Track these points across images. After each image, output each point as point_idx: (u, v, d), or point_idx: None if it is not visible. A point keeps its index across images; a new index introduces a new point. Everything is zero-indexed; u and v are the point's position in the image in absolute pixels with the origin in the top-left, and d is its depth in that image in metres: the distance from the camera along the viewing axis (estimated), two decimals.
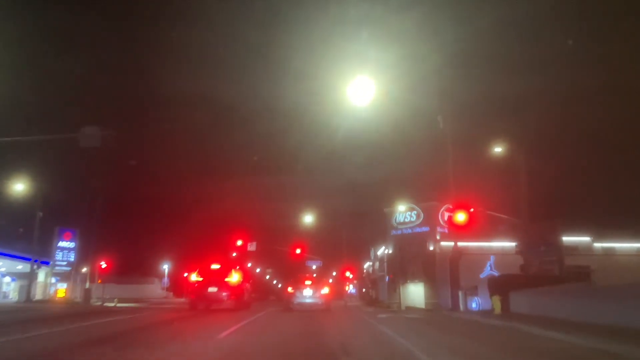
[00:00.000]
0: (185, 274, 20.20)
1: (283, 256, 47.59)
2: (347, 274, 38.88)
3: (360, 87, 15.35)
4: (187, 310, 18.03)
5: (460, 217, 17.20)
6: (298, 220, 40.08)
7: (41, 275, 38.86)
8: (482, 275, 36.33)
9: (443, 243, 37.09)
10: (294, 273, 25.88)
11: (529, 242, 20.21)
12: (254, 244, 37.26)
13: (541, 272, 19.98)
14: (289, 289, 20.05)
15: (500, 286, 17.90)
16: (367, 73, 15.04)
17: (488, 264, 36.55)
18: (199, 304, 18.55)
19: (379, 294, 47.90)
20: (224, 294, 18.15)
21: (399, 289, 34.02)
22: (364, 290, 65.85)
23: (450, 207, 39.99)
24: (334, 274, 63.05)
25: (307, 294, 19.45)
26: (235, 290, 18.34)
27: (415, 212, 38.88)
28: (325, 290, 19.91)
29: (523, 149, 19.67)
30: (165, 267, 61.29)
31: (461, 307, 19.16)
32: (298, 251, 36.98)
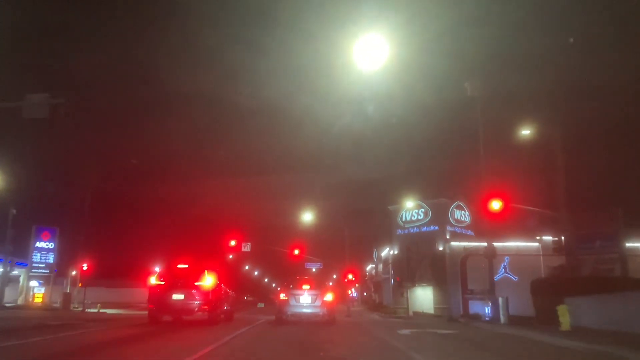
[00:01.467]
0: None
1: (282, 258, 44.67)
2: (350, 276, 35.88)
3: (370, 49, 12.51)
4: (146, 324, 13.78)
5: (496, 204, 14.54)
6: (297, 219, 37.50)
7: (23, 278, 36.20)
8: (495, 278, 33.69)
9: (453, 243, 34.53)
10: (291, 275, 21.56)
11: (579, 236, 17.12)
12: (249, 244, 34.39)
13: (597, 274, 16.92)
14: (282, 295, 15.83)
15: (549, 291, 14.82)
16: (377, 31, 12.15)
17: (502, 266, 33.96)
18: (161, 315, 14.18)
19: (383, 297, 45.32)
20: (195, 302, 13.81)
21: (406, 293, 31.12)
22: (365, 294, 63.28)
23: (461, 204, 37.88)
24: (335, 276, 60.22)
25: (305, 301, 15.35)
26: (209, 297, 14.08)
27: (423, 209, 36.22)
28: (329, 296, 15.64)
29: (558, 129, 16.73)
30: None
31: (502, 318, 15.74)
32: (296, 252, 34.16)
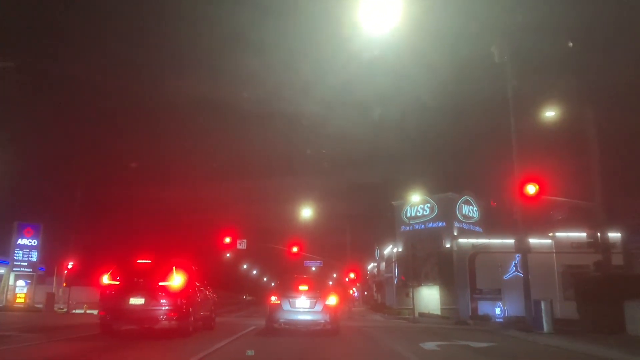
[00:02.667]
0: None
1: (281, 256, 42.71)
2: (352, 275, 33.93)
3: (378, 7, 10.72)
4: (99, 335, 10.85)
5: (531, 189, 12.69)
6: (296, 217, 35.70)
7: (5, 277, 34.32)
8: (506, 277, 31.93)
9: (461, 240, 32.75)
10: (286, 274, 18.62)
11: (631, 228, 14.94)
12: (244, 241, 32.33)
13: None
14: (273, 298, 12.76)
15: (602, 293, 12.57)
16: None
17: (513, 264, 32.09)
18: (117, 325, 11.20)
19: (386, 297, 43.46)
20: (159, 308, 10.79)
21: (412, 293, 29.17)
22: (365, 293, 61.55)
23: (469, 199, 35.96)
24: (335, 275, 58.32)
25: (302, 305, 12.46)
26: (178, 301, 10.99)
27: (428, 205, 34.30)
28: (331, 300, 12.61)
29: (591, 107, 14.65)
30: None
31: (546, 326, 12.98)
32: (295, 249, 32.15)
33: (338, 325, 12.95)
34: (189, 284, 11.56)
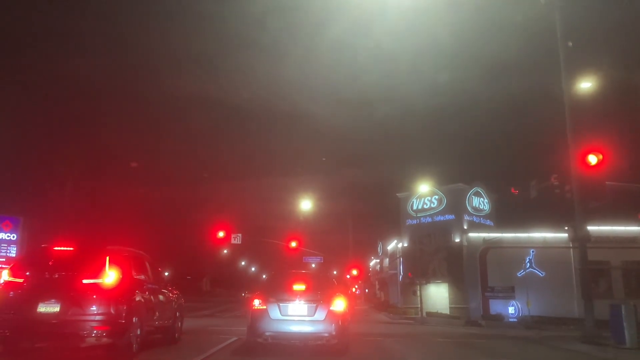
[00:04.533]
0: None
1: (281, 253, 40.65)
2: (354, 272, 31.89)
3: None
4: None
5: (593, 158, 10.81)
6: (295, 209, 33.73)
7: None
8: (519, 274, 29.96)
9: (471, 234, 30.66)
10: (279, 271, 14.79)
11: None
12: (239, 235, 30.23)
13: None
14: (256, 303, 9.14)
15: None
16: None
17: (527, 260, 30.20)
18: (22, 343, 7.46)
19: (389, 295, 41.50)
20: (86, 319, 7.21)
21: (419, 290, 27.13)
22: (367, 290, 59.94)
23: (479, 190, 33.83)
24: (335, 272, 56.38)
25: (297, 311, 9.03)
26: (113, 307, 7.43)
27: (436, 196, 32.20)
28: (338, 304, 9.14)
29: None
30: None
31: (629, 339, 9.69)
32: (293, 244, 30.08)
33: (347, 340, 9.53)
34: (131, 282, 8.09)
